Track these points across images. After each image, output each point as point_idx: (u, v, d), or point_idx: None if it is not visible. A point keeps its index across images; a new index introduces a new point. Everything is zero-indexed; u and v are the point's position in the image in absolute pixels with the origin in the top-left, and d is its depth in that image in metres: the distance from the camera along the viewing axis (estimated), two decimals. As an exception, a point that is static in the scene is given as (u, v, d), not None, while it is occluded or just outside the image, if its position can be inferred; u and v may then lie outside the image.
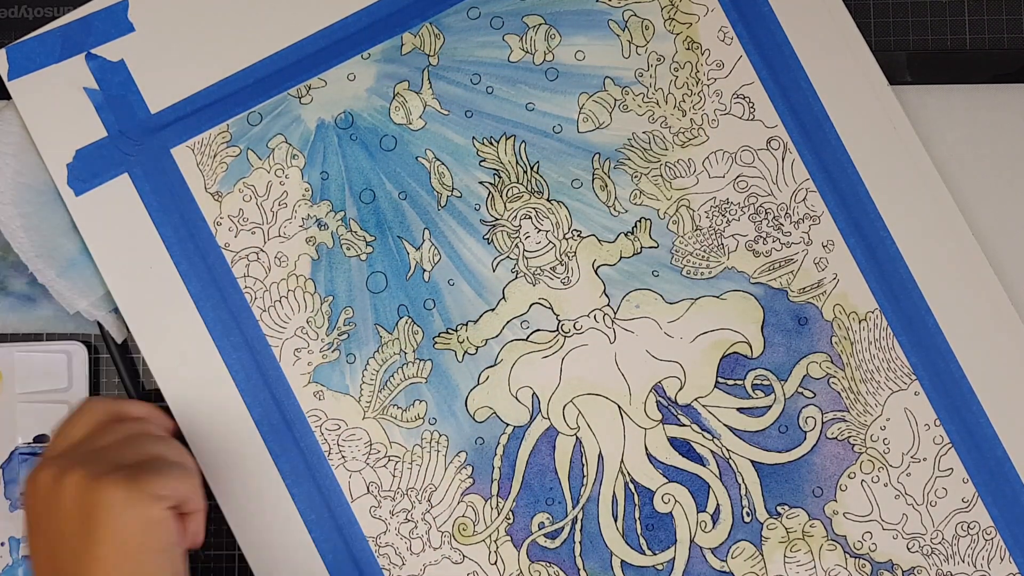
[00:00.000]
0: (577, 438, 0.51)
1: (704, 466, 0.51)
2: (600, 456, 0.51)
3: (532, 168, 0.52)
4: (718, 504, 0.51)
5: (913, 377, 0.51)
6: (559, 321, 0.52)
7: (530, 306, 0.52)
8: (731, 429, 0.51)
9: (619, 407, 0.51)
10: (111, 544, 0.42)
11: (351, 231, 0.52)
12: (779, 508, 0.51)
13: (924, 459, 0.51)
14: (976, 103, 0.53)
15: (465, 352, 0.52)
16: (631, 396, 0.51)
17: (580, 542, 0.51)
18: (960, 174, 0.52)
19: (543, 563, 0.51)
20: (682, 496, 0.51)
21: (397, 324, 0.52)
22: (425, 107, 0.53)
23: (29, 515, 0.44)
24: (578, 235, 0.52)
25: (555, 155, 0.52)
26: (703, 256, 0.52)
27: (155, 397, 0.54)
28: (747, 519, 0.51)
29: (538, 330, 0.52)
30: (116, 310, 0.53)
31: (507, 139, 0.52)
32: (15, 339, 0.54)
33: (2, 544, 0.53)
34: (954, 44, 0.54)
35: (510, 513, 0.51)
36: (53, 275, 0.52)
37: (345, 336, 0.52)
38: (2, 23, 0.55)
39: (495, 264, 0.52)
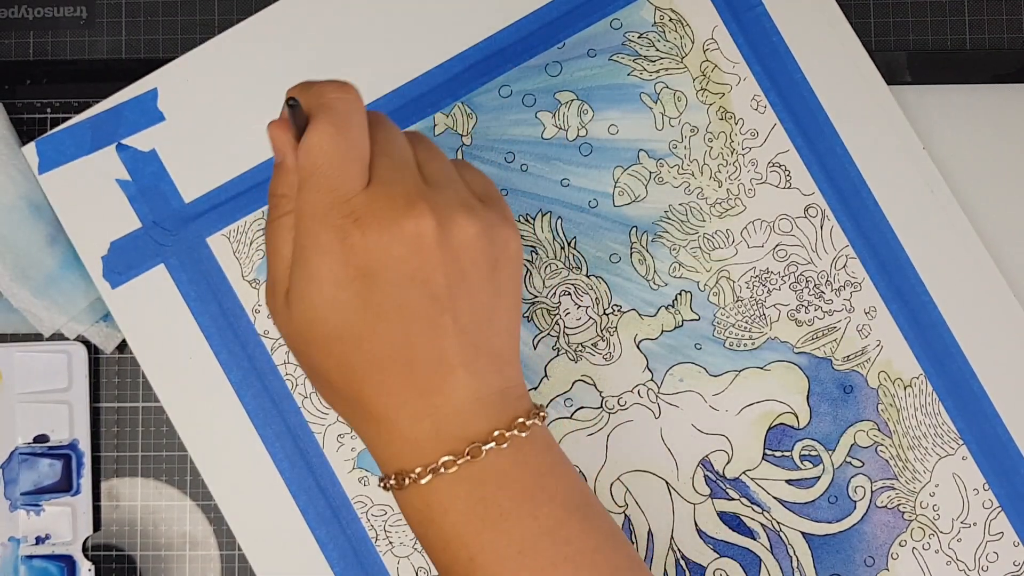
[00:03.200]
0: (626, 516, 0.51)
1: (755, 539, 0.51)
2: (650, 533, 0.51)
3: (569, 244, 0.52)
4: (769, 577, 0.51)
5: (960, 442, 0.51)
6: (603, 398, 0.51)
7: (573, 383, 0.52)
8: (780, 501, 0.51)
9: (667, 483, 0.51)
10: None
11: (390, 314, 0.52)
12: (831, 578, 0.51)
13: (974, 524, 0.51)
14: (976, 103, 0.53)
15: (509, 432, 0.51)
16: (679, 471, 0.51)
17: (632, 620, 0.51)
18: (960, 174, 0.52)
19: (596, 642, 0.51)
20: (733, 571, 0.51)
21: (440, 406, 0.51)
22: (460, 187, 0.52)
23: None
24: (618, 310, 0.52)
25: (592, 230, 0.52)
26: (745, 327, 0.52)
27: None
28: (799, 591, 0.51)
29: (582, 407, 0.52)
30: (101, 320, 0.52)
31: (543, 216, 0.52)
32: (15, 339, 0.54)
33: (2, 544, 0.52)
34: (954, 44, 0.54)
35: (561, 593, 0.51)
36: (28, 295, 0.51)
37: (388, 420, 0.51)
38: (2, 23, 0.55)
39: (536, 342, 0.52)
